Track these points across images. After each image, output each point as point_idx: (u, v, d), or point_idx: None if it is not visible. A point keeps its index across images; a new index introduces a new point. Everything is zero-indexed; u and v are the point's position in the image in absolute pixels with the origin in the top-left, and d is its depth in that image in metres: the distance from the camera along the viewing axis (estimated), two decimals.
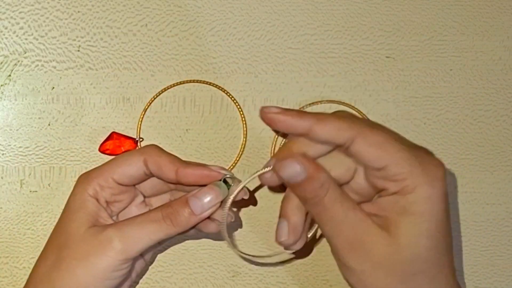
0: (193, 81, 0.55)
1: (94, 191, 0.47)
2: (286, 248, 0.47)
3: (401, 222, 0.43)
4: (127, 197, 0.49)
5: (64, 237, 0.46)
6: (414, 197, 0.43)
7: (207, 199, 0.45)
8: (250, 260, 0.54)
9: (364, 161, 0.44)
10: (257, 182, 0.51)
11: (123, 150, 0.54)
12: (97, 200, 0.47)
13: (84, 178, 0.48)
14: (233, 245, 0.48)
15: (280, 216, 0.46)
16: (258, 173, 0.45)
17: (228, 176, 0.46)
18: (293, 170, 0.44)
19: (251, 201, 0.54)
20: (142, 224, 0.45)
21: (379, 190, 0.44)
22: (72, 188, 0.48)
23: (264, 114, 0.45)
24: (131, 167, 0.47)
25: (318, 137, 0.44)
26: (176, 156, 0.48)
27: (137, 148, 0.54)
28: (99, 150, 0.54)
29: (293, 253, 0.47)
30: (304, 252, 0.47)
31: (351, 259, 0.44)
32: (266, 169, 0.45)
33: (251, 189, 0.54)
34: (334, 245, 0.45)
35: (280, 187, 0.48)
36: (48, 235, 0.49)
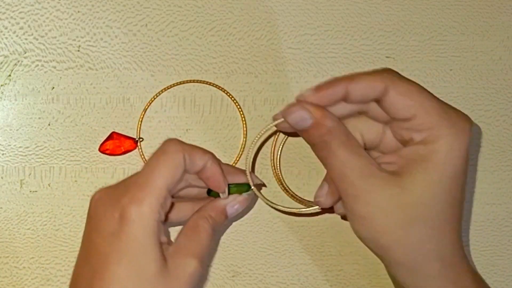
0: (193, 81, 0.55)
1: (160, 215, 0.43)
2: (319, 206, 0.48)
3: (415, 168, 0.43)
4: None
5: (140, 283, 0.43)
6: (436, 147, 0.43)
7: (240, 207, 0.49)
8: (284, 211, 0.52)
9: (395, 111, 0.44)
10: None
11: (123, 150, 0.54)
12: (159, 221, 0.44)
13: (132, 199, 0.43)
14: (266, 199, 0.50)
15: (324, 180, 0.47)
16: (274, 123, 0.47)
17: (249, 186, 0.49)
18: (299, 116, 0.45)
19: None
20: (200, 241, 0.46)
21: (405, 143, 0.45)
22: (89, 204, 0.45)
23: (301, 105, 0.45)
24: (178, 169, 0.45)
25: (355, 96, 0.44)
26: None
27: (137, 148, 0.54)
28: (99, 150, 0.54)
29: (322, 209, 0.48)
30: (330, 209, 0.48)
31: (355, 203, 0.44)
32: (279, 121, 0.46)
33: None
34: (340, 190, 0.45)
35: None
36: (48, 235, 0.49)
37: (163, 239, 0.45)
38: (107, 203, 0.44)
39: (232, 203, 0.49)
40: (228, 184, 0.48)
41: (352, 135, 0.45)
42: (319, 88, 0.45)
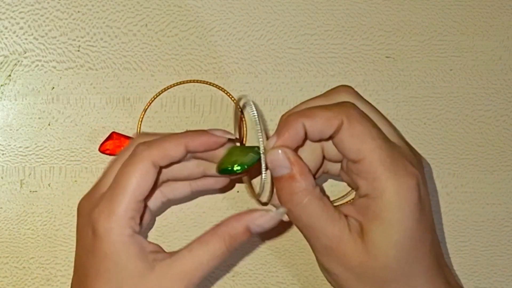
0: (193, 81, 0.55)
1: (131, 228, 0.42)
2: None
3: (371, 229, 0.42)
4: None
5: None
6: (383, 203, 0.42)
7: (267, 225, 0.44)
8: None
9: (344, 151, 0.43)
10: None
11: None
12: (135, 231, 0.42)
13: (100, 214, 0.42)
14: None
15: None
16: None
17: (231, 138, 0.45)
18: (279, 165, 0.43)
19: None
20: (201, 265, 0.43)
21: (355, 188, 0.44)
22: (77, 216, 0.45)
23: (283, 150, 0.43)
24: (148, 181, 0.42)
25: (314, 135, 0.43)
26: (163, 134, 0.45)
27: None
28: (99, 150, 0.54)
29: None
30: None
31: (326, 262, 0.44)
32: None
33: None
34: (311, 246, 0.44)
35: None
36: (48, 235, 0.49)
37: (147, 247, 0.43)
38: (84, 216, 0.43)
39: (259, 220, 0.43)
40: (231, 148, 0.45)
41: (319, 191, 0.44)
42: (279, 133, 0.43)
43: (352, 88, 0.46)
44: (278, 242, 0.55)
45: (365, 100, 0.45)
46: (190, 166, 0.47)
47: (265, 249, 0.55)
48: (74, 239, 0.54)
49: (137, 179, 0.42)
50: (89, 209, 0.43)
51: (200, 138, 0.44)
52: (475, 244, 0.56)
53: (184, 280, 0.43)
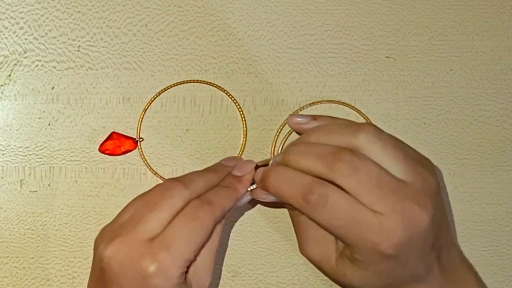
0: (193, 81, 0.54)
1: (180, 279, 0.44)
2: None
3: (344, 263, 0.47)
4: None
5: None
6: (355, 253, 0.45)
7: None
8: None
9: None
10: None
11: (123, 150, 0.53)
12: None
13: (159, 271, 0.43)
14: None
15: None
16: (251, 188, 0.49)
17: None
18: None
19: None
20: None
21: None
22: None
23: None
24: (205, 239, 0.45)
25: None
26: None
27: (137, 148, 0.54)
28: (99, 150, 0.54)
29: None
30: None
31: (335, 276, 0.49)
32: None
33: None
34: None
35: None
36: (48, 235, 0.49)
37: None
38: (127, 264, 0.43)
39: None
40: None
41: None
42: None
43: (374, 128, 0.46)
44: (278, 242, 0.55)
45: (382, 136, 0.46)
46: None
47: (265, 249, 0.55)
48: (74, 239, 0.54)
49: (198, 240, 0.44)
50: (137, 253, 0.43)
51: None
52: (475, 244, 0.56)
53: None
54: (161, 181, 0.53)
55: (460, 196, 0.56)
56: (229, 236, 0.55)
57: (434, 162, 0.56)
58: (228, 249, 0.55)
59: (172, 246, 0.42)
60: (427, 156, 0.56)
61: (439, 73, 0.56)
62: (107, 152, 0.54)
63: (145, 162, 0.54)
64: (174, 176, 0.54)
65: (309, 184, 0.44)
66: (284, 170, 0.46)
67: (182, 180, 0.45)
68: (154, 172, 0.54)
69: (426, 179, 0.45)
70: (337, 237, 0.46)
